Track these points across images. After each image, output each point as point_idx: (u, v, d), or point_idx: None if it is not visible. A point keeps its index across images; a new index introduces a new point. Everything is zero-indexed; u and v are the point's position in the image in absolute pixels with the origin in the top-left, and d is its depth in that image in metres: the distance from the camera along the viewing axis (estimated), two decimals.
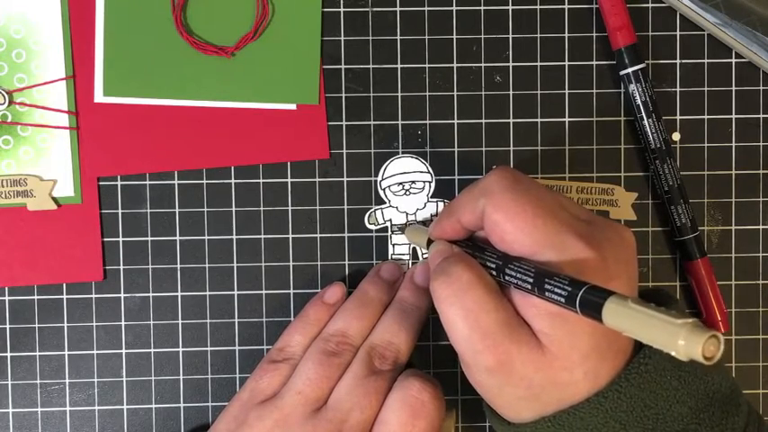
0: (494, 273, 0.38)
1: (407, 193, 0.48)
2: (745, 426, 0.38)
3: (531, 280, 0.35)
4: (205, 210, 0.47)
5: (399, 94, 0.47)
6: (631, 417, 0.36)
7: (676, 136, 0.48)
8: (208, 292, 0.47)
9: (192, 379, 0.48)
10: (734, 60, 0.48)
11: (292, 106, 0.47)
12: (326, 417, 0.41)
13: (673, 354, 0.28)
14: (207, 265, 0.47)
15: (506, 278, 0.37)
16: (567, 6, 0.48)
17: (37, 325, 0.47)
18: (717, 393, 0.37)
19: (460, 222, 0.40)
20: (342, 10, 0.47)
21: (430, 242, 0.43)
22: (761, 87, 0.48)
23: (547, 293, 0.34)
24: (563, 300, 0.33)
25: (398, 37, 0.47)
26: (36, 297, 0.47)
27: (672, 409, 0.36)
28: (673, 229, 0.47)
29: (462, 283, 0.37)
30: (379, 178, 0.48)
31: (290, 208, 0.47)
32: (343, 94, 0.47)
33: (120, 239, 0.47)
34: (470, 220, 0.40)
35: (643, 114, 0.46)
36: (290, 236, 0.47)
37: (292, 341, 0.44)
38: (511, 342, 0.36)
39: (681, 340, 0.27)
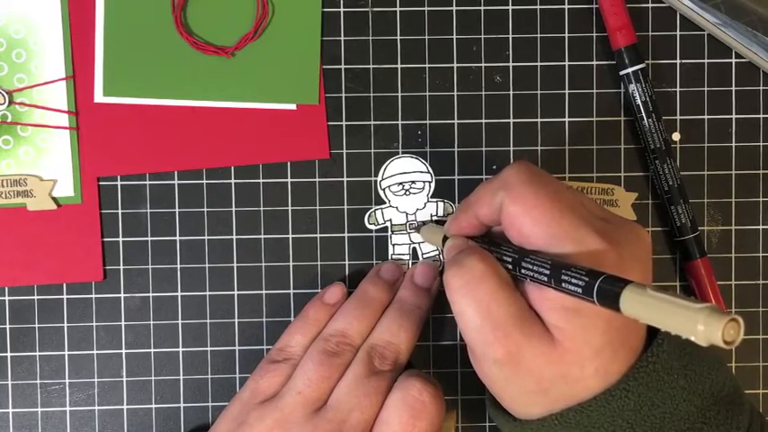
0: (509, 267, 0.38)
1: (407, 193, 0.48)
2: (749, 424, 0.38)
3: (547, 271, 0.35)
4: (205, 210, 0.47)
5: (399, 94, 0.47)
6: (639, 415, 0.36)
7: (676, 136, 0.48)
8: (208, 292, 0.47)
9: (191, 379, 0.48)
10: (734, 60, 0.48)
11: (292, 106, 0.47)
12: (327, 417, 0.41)
13: (692, 339, 0.27)
14: (207, 265, 0.47)
15: (522, 271, 0.37)
16: (567, 6, 0.48)
17: (37, 325, 0.47)
18: (722, 392, 0.37)
19: (478, 217, 0.40)
20: (342, 10, 0.47)
21: (446, 240, 0.43)
22: (761, 87, 0.48)
23: (564, 284, 0.34)
24: (580, 290, 0.33)
25: (398, 37, 0.47)
26: (36, 297, 0.47)
27: (679, 407, 0.36)
28: (673, 229, 0.47)
29: (475, 274, 0.37)
30: (379, 178, 0.48)
31: (290, 208, 0.47)
32: (343, 94, 0.47)
33: (120, 239, 0.47)
34: (488, 214, 0.40)
35: (643, 114, 0.46)
36: (290, 236, 0.47)
37: (292, 341, 0.44)
38: (522, 335, 0.36)
39: (700, 325, 0.27)
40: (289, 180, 0.47)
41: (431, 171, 0.48)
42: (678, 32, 0.48)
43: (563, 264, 0.34)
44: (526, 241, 0.37)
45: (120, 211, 0.47)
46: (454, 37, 0.47)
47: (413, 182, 0.48)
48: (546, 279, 0.35)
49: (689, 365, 0.37)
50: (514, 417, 0.39)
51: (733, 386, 0.38)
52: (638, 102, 0.46)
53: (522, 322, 0.36)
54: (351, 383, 0.41)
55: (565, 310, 0.35)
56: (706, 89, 0.48)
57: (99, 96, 0.46)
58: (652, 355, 0.36)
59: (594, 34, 0.48)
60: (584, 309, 0.35)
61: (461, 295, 0.37)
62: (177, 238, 0.47)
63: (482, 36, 0.47)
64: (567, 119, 0.48)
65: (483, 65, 0.47)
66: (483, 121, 0.48)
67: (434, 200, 0.48)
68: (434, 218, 0.48)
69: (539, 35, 0.48)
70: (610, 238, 0.36)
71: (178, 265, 0.47)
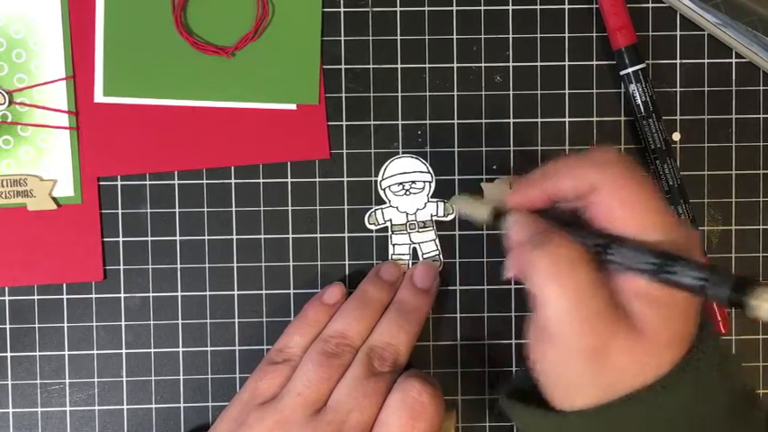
0: (594, 252, 0.36)
1: (407, 193, 0.48)
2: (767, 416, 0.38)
3: (654, 260, 0.34)
4: (205, 210, 0.47)
5: (399, 94, 0.47)
6: (680, 412, 0.35)
7: (676, 136, 0.48)
8: (208, 292, 0.47)
9: (191, 379, 0.48)
10: (734, 60, 0.48)
11: (292, 106, 0.47)
12: (326, 418, 0.41)
13: None
14: (207, 265, 0.47)
15: (614, 258, 0.35)
16: (567, 6, 0.48)
17: (37, 325, 0.47)
18: (746, 386, 0.38)
19: (556, 190, 0.38)
20: (342, 10, 0.47)
21: (497, 213, 0.40)
22: (761, 87, 0.48)
23: (673, 277, 0.33)
24: (700, 286, 0.32)
25: (398, 37, 0.47)
26: (36, 297, 0.47)
27: (717, 402, 0.36)
28: None
29: (566, 260, 0.35)
30: (379, 178, 0.48)
31: (290, 208, 0.47)
32: (343, 94, 0.47)
33: (120, 239, 0.47)
34: (569, 189, 0.37)
35: (643, 114, 0.46)
36: (290, 236, 0.47)
37: (291, 342, 0.44)
38: (609, 328, 0.35)
39: None
40: (289, 180, 0.47)
41: (431, 171, 0.48)
42: (678, 32, 0.48)
43: (674, 255, 0.34)
44: (613, 225, 0.36)
45: (120, 211, 0.47)
46: (454, 37, 0.47)
47: (413, 182, 0.48)
48: (651, 270, 0.34)
49: (724, 363, 0.37)
50: (553, 409, 0.37)
51: (749, 383, 0.39)
52: (639, 102, 0.46)
53: (610, 316, 0.35)
54: (350, 384, 0.41)
55: (652, 300, 0.35)
56: (706, 89, 0.48)
57: (99, 96, 0.46)
58: (698, 352, 0.36)
59: (594, 34, 0.48)
60: (667, 298, 0.34)
61: (550, 281, 0.35)
62: (177, 238, 0.47)
63: (482, 36, 0.47)
64: (567, 119, 0.48)
65: (483, 65, 0.47)
66: (483, 121, 0.48)
67: (434, 200, 0.48)
68: (435, 218, 0.48)
69: (539, 35, 0.48)
70: (685, 229, 0.36)
71: (178, 265, 0.47)
